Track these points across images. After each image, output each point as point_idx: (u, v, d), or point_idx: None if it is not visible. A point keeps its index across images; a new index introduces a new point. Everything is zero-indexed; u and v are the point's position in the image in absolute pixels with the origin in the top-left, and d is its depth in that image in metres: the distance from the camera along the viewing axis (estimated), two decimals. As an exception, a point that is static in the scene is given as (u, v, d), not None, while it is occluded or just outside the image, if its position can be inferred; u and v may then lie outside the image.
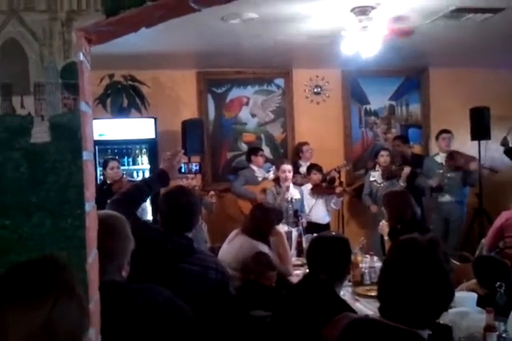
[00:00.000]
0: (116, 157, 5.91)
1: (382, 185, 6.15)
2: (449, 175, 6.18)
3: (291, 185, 5.70)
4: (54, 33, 1.43)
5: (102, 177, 5.74)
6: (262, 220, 3.90)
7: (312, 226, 5.54)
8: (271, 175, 5.85)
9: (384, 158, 6.20)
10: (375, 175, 6.28)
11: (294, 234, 4.69)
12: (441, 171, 6.26)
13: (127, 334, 1.71)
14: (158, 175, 2.76)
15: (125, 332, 1.71)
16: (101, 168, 5.84)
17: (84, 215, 1.44)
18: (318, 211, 5.95)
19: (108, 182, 5.49)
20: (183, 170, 2.88)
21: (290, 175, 5.65)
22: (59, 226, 1.43)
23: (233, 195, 6.44)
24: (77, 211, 1.43)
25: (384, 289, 1.69)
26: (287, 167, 5.65)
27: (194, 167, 3.04)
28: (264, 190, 5.75)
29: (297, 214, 5.24)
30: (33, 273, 1.08)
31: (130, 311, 1.76)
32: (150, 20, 1.64)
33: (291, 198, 5.44)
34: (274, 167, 6.01)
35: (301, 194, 5.75)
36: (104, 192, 4.83)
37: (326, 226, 5.93)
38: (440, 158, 6.37)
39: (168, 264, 2.49)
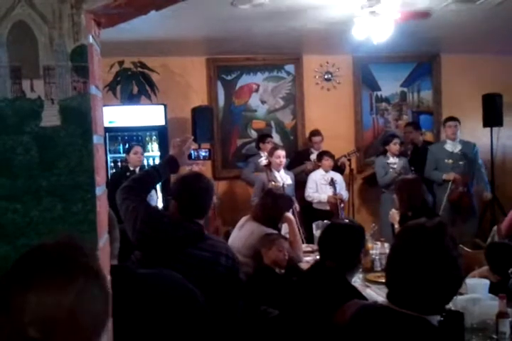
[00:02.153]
0: (139, 143, 5.95)
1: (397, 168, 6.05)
2: (459, 163, 6.06)
3: (283, 171, 5.73)
4: (63, 15, 1.41)
5: (120, 164, 5.77)
6: (272, 207, 3.89)
7: (322, 214, 5.56)
8: (263, 161, 5.85)
9: (396, 146, 6.13)
10: (390, 159, 6.17)
11: None
12: (450, 161, 6.12)
13: (137, 319, 1.71)
14: (168, 162, 2.75)
15: (134, 316, 1.71)
16: (110, 156, 5.86)
17: (95, 199, 1.43)
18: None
19: (131, 168, 5.50)
20: (192, 157, 2.86)
21: (284, 160, 5.68)
22: (70, 210, 1.42)
23: (243, 181, 6.44)
24: (87, 195, 1.42)
25: (391, 275, 1.67)
26: (281, 153, 5.68)
27: (203, 153, 3.00)
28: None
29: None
30: (58, 255, 1.05)
31: (139, 295, 1.76)
32: (159, 2, 1.62)
33: (283, 184, 5.46)
34: (266, 153, 6.01)
35: (292, 179, 5.77)
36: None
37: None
38: (450, 147, 6.18)
39: (179, 250, 2.49)
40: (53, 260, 1.04)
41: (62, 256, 1.05)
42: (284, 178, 5.61)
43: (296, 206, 5.30)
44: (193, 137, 2.82)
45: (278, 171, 5.67)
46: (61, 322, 0.98)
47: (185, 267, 2.38)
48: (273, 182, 5.53)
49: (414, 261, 1.59)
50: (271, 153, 5.72)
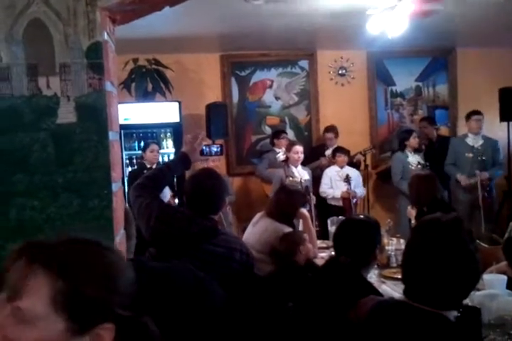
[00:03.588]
0: (154, 140, 6.00)
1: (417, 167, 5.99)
2: (479, 158, 6.00)
3: (300, 166, 5.73)
4: (78, 12, 1.42)
5: (136, 161, 5.81)
6: (286, 203, 3.88)
7: (336, 209, 5.55)
8: (281, 157, 5.85)
9: (416, 140, 6.08)
10: (410, 157, 6.11)
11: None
12: (471, 155, 6.06)
13: (147, 311, 1.72)
14: (180, 159, 2.76)
15: (145, 308, 1.72)
16: (125, 153, 5.89)
17: (111, 195, 1.44)
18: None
19: (148, 166, 5.54)
20: (204, 153, 2.87)
21: (302, 156, 5.68)
22: (86, 206, 1.43)
23: (257, 177, 6.44)
24: (104, 191, 1.44)
25: (408, 270, 1.66)
26: (300, 148, 5.68)
27: (215, 149, 3.00)
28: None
29: (307, 190, 5.24)
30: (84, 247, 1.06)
31: (150, 288, 1.76)
32: (173, -2, 1.62)
33: (301, 179, 5.46)
34: (283, 148, 6.01)
35: (309, 175, 5.78)
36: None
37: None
38: (471, 141, 6.12)
39: (193, 246, 2.50)
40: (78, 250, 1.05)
41: (89, 249, 1.06)
42: (301, 174, 5.61)
43: (313, 198, 5.29)
44: (204, 133, 2.82)
45: (295, 167, 5.67)
46: None
47: (200, 263, 2.39)
48: (290, 178, 5.53)
49: (432, 255, 1.57)
50: (288, 149, 5.72)
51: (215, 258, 2.50)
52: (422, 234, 1.66)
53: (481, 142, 6.08)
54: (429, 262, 1.58)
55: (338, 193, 5.84)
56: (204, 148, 2.82)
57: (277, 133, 6.49)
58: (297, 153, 5.65)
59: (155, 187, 2.71)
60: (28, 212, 1.43)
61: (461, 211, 5.84)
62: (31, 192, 1.43)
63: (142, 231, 2.56)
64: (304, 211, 4.08)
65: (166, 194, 3.83)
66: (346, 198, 5.72)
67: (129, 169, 6.05)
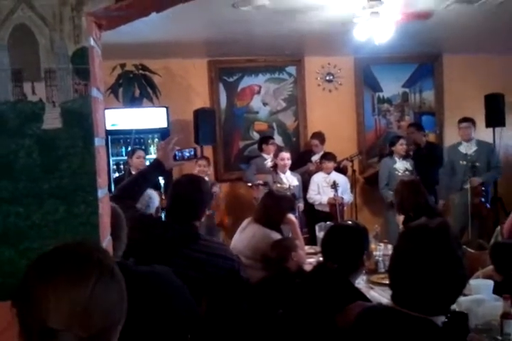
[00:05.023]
0: (141, 147, 5.98)
1: (404, 173, 6.01)
2: (473, 165, 6.02)
3: (289, 172, 5.76)
4: (64, 17, 1.41)
5: (123, 166, 5.79)
6: (273, 209, 3.86)
7: (324, 215, 5.56)
8: (269, 163, 5.87)
9: (403, 146, 6.12)
10: (397, 163, 6.14)
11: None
12: (464, 162, 6.07)
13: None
14: (154, 166, 2.76)
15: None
16: (112, 158, 5.86)
17: (97, 202, 1.43)
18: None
19: (133, 172, 5.51)
20: (177, 158, 2.86)
21: (289, 162, 5.72)
22: (72, 212, 1.42)
23: (245, 184, 6.44)
24: (89, 197, 1.42)
25: (395, 276, 1.66)
26: (286, 155, 5.73)
27: (188, 153, 2.99)
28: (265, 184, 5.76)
29: (294, 197, 5.25)
30: (74, 253, 1.10)
31: (133, 291, 1.77)
32: (160, 4, 1.62)
33: (289, 185, 5.46)
34: (271, 155, 6.02)
35: (299, 181, 5.79)
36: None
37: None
38: (464, 148, 6.15)
39: (171, 251, 2.49)
40: (69, 258, 1.08)
41: (77, 254, 1.09)
42: (290, 180, 5.62)
43: (300, 205, 5.30)
44: (176, 138, 2.80)
45: (284, 173, 5.69)
46: (78, 315, 1.03)
47: (179, 268, 2.38)
48: (278, 184, 5.54)
49: (420, 261, 1.57)
50: (276, 155, 5.73)
51: (194, 264, 2.49)
52: (409, 239, 1.66)
53: (474, 148, 6.11)
54: (417, 268, 1.57)
55: (325, 199, 5.85)
56: (176, 152, 2.81)
57: (265, 138, 6.49)
58: (284, 159, 5.67)
59: (129, 197, 2.69)
60: (12, 219, 1.41)
61: (457, 217, 5.89)
62: (16, 199, 1.41)
63: None
64: (292, 217, 4.07)
65: (155, 199, 3.81)
66: (333, 204, 5.73)
67: (116, 175, 6.02)
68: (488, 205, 6.04)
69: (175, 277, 1.99)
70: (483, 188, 5.98)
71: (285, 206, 3.95)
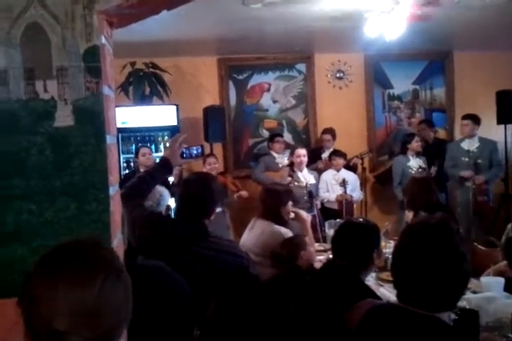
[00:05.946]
0: (145, 144, 5.96)
1: (417, 171, 5.97)
2: (475, 161, 6.00)
3: (306, 170, 5.71)
4: (76, 16, 1.42)
5: (133, 164, 5.81)
6: (270, 203, 3.84)
7: (333, 213, 5.55)
8: (285, 161, 5.85)
9: (418, 143, 6.08)
10: (410, 161, 6.10)
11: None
12: (467, 159, 6.06)
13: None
14: (160, 164, 2.76)
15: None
16: (123, 156, 5.88)
17: (109, 199, 1.44)
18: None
19: (141, 170, 5.53)
20: (184, 156, 2.87)
21: (305, 159, 5.68)
22: (84, 210, 1.43)
23: (254, 182, 6.44)
24: (101, 195, 1.43)
25: (397, 274, 1.65)
26: (302, 151, 5.69)
27: (195, 151, 2.99)
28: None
29: (311, 195, 5.23)
30: (80, 251, 1.07)
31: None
32: (170, 2, 1.62)
33: (306, 183, 5.44)
34: (288, 152, 6.00)
35: (316, 179, 5.76)
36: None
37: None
38: (466, 145, 6.12)
39: (180, 248, 2.50)
40: (76, 257, 1.06)
41: (84, 252, 1.07)
42: (307, 178, 5.58)
43: (318, 203, 5.27)
44: (184, 135, 2.81)
45: (300, 171, 5.64)
46: (85, 316, 1.00)
47: (189, 265, 2.39)
48: (296, 183, 5.51)
49: (420, 257, 1.57)
50: (292, 153, 5.71)
51: (203, 261, 2.49)
52: (410, 236, 1.65)
53: (476, 145, 6.07)
54: (420, 265, 1.56)
55: (333, 197, 5.83)
56: (184, 150, 2.81)
57: (272, 136, 6.48)
58: (300, 156, 5.65)
59: (137, 195, 2.70)
60: (25, 216, 1.42)
61: (460, 214, 5.86)
62: (28, 196, 1.42)
63: (131, 241, 2.59)
64: (303, 213, 4.06)
65: (165, 196, 3.81)
66: (341, 201, 5.71)
67: (127, 171, 6.04)
68: (491, 204, 6.02)
69: (171, 269, 2.00)
70: (486, 186, 5.96)
71: (280, 198, 3.88)
